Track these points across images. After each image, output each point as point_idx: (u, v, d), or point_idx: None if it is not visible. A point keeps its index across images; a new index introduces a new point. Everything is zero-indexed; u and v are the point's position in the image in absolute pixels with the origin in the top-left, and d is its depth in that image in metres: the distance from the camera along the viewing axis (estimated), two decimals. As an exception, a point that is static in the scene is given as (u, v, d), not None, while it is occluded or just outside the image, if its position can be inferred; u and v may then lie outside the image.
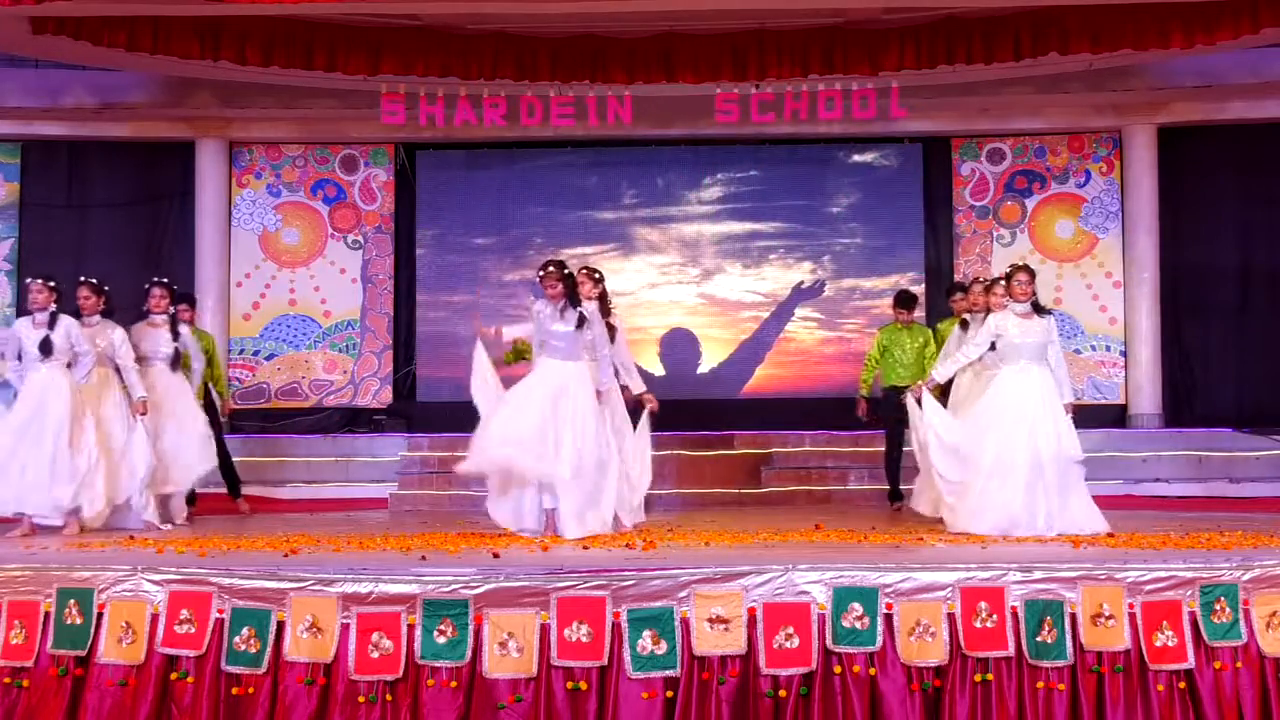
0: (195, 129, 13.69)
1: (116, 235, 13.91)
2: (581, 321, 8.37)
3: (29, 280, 9.03)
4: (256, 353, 13.92)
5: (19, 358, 8.86)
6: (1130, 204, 13.63)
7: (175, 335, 9.57)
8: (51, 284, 8.91)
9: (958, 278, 13.50)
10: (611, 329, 8.95)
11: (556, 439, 8.12)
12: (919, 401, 8.55)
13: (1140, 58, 11.87)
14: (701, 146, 14.21)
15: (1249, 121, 13.31)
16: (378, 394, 14.01)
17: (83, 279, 9.24)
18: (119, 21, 10.78)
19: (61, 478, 8.57)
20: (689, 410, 12.40)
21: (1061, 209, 13.94)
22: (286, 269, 14.05)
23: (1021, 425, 8.15)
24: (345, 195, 14.13)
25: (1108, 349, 13.72)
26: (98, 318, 9.15)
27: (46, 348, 8.71)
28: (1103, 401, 13.59)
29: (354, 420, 13.84)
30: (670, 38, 11.80)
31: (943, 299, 13.05)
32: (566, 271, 8.49)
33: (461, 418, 13.49)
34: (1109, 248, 13.80)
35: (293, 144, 14.06)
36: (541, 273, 8.45)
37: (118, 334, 9.18)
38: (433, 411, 13.86)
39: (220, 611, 6.20)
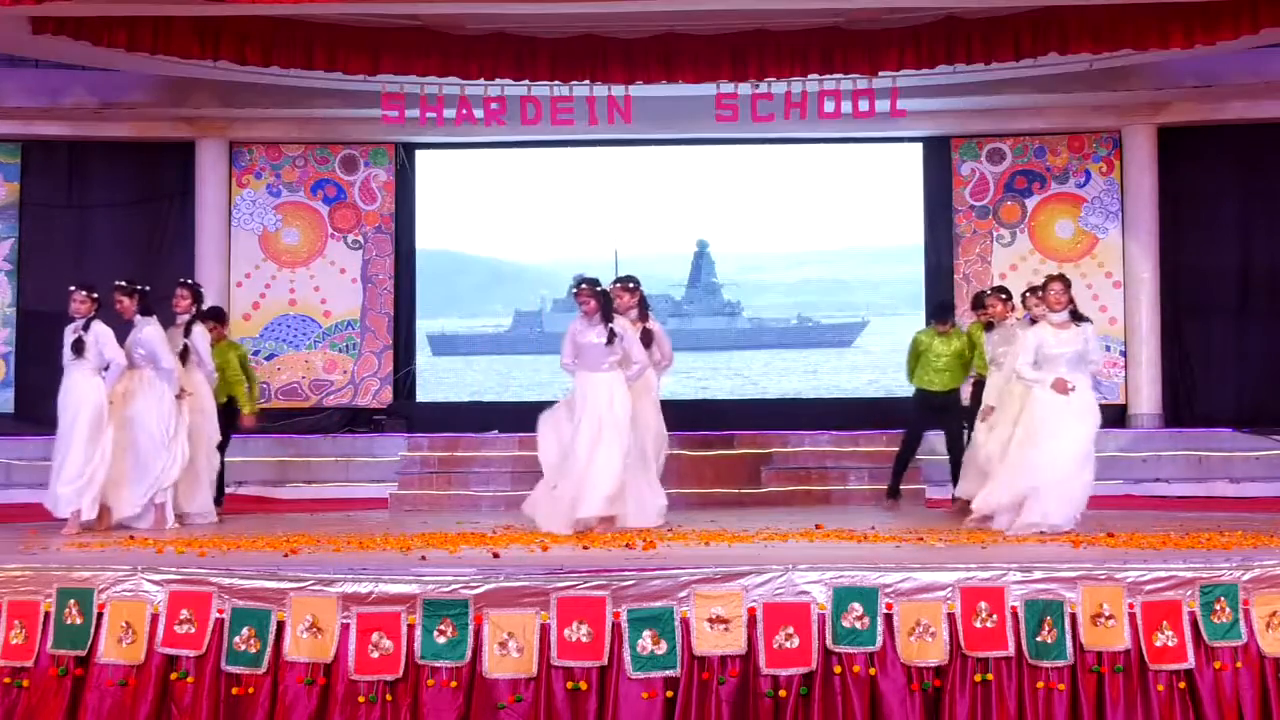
0: (195, 129, 13.66)
1: (116, 235, 13.89)
2: (612, 337, 8.63)
3: (71, 288, 9.11)
4: (257, 353, 13.88)
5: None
6: (1130, 204, 13.60)
7: (186, 333, 9.58)
8: (95, 295, 9.03)
9: (957, 278, 13.50)
10: (648, 334, 9.19)
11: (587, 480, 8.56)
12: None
13: (1140, 58, 11.85)
14: (701, 146, 14.20)
15: (1249, 121, 13.27)
16: (378, 394, 13.99)
17: (115, 284, 9.24)
18: (119, 21, 10.77)
19: (68, 477, 8.71)
20: (689, 410, 12.38)
21: (1061, 209, 13.91)
22: (286, 269, 14.03)
23: (1057, 437, 8.33)
24: (345, 195, 14.11)
25: (1108, 349, 13.66)
26: (138, 318, 9.18)
27: (78, 347, 8.89)
28: (1103, 401, 13.28)
29: (354, 420, 13.82)
30: (670, 38, 11.78)
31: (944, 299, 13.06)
32: (599, 289, 8.76)
33: (461, 418, 13.66)
34: (1109, 248, 13.76)
35: (293, 144, 14.04)
36: (574, 290, 8.78)
37: (144, 331, 9.14)
38: (432, 411, 13.87)
39: (220, 611, 6.21)
